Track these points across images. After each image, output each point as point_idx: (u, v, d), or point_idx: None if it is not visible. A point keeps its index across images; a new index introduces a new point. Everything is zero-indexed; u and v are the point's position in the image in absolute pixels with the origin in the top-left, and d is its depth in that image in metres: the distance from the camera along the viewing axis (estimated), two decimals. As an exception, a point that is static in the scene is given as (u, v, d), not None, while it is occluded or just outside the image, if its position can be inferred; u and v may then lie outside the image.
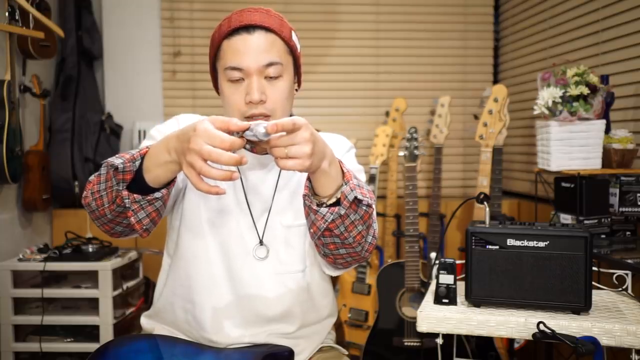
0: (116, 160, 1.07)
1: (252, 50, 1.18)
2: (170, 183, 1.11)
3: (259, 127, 0.97)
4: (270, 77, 1.20)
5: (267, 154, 1.29)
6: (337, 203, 1.08)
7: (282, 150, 0.99)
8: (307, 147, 0.98)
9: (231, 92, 1.21)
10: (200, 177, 0.98)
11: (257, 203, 1.29)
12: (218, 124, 0.97)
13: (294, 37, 1.26)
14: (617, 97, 2.14)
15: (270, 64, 1.19)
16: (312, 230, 1.13)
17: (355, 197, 1.06)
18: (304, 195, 1.10)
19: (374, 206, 1.12)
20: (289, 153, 0.99)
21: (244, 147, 1.00)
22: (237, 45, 1.19)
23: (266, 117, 1.20)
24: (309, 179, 1.09)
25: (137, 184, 1.08)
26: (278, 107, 1.21)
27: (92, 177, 1.13)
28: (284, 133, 0.98)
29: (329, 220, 1.08)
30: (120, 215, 1.11)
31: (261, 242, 1.28)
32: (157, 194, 1.09)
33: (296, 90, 1.32)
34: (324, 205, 1.08)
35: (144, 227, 1.12)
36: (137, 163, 1.07)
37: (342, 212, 1.07)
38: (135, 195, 1.08)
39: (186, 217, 1.29)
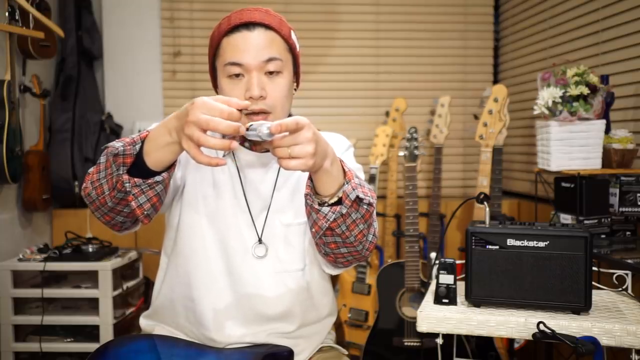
0: (116, 143, 1.07)
1: (252, 46, 1.19)
2: (171, 167, 1.11)
3: (263, 127, 0.98)
4: (270, 74, 1.20)
5: (266, 152, 1.29)
6: (339, 202, 1.09)
7: (285, 150, 0.99)
8: (310, 147, 0.99)
9: (231, 89, 1.21)
10: (199, 149, 0.98)
11: (256, 201, 1.29)
12: (219, 100, 0.99)
13: (293, 36, 1.27)
14: (617, 97, 2.14)
15: (270, 60, 1.20)
16: (313, 230, 1.13)
17: (357, 196, 1.07)
18: (306, 195, 1.10)
19: (375, 205, 1.13)
20: (292, 153, 0.99)
21: (243, 146, 1.01)
22: (237, 42, 1.19)
23: (266, 113, 1.20)
24: (310, 178, 1.09)
25: (138, 168, 1.08)
26: (278, 103, 1.21)
27: (91, 169, 1.13)
28: (287, 133, 0.98)
29: (330, 220, 1.08)
30: (121, 202, 1.11)
31: (260, 241, 1.28)
32: (158, 178, 1.09)
33: (295, 90, 1.32)
34: (326, 204, 1.09)
35: (145, 212, 1.12)
36: (138, 146, 1.07)
37: (344, 211, 1.08)
38: (135, 179, 1.07)
39: (184, 215, 1.29)
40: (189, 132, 0.97)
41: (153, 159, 1.07)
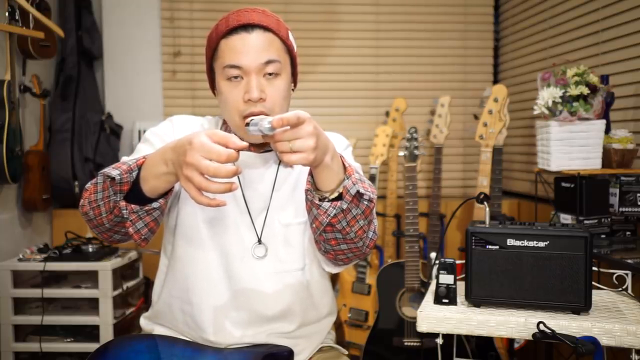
0: (113, 171, 1.06)
1: (251, 48, 1.18)
2: (167, 193, 1.11)
3: (264, 122, 0.98)
4: (269, 76, 1.20)
5: (264, 151, 1.29)
6: (339, 197, 1.09)
7: (286, 145, 0.99)
8: (311, 141, 0.99)
9: (229, 91, 1.21)
10: (199, 191, 0.98)
11: (255, 201, 1.29)
12: (216, 138, 0.97)
13: (291, 37, 1.27)
14: (617, 97, 2.13)
15: (269, 62, 1.19)
16: (314, 226, 1.14)
17: (357, 191, 1.07)
18: (306, 190, 1.10)
19: (375, 201, 1.13)
20: (293, 147, 0.99)
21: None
22: (235, 44, 1.19)
23: (265, 115, 1.20)
24: (311, 173, 1.09)
25: (135, 194, 1.08)
26: (276, 105, 1.21)
27: (88, 185, 1.13)
28: (288, 127, 0.98)
29: (331, 215, 1.08)
30: (118, 224, 1.12)
31: (260, 241, 1.28)
32: (155, 204, 1.09)
33: (292, 90, 1.32)
34: (326, 199, 1.09)
35: (143, 236, 1.12)
36: (134, 174, 1.07)
37: (344, 206, 1.08)
38: (133, 205, 1.07)
39: (183, 218, 1.29)
40: (188, 174, 0.96)
41: (149, 186, 1.07)
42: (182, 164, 0.97)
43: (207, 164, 0.95)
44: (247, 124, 1.03)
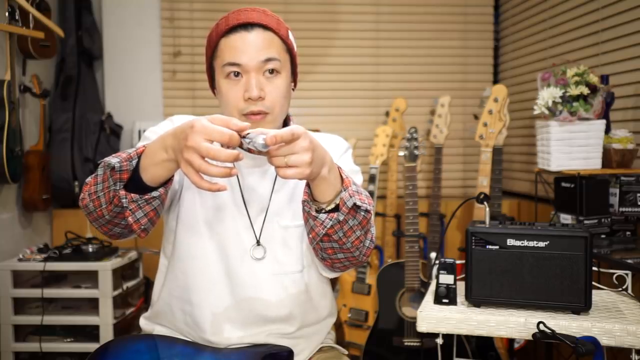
0: (112, 159, 1.06)
1: (250, 47, 1.19)
2: (167, 182, 1.11)
3: (258, 139, 0.97)
4: (269, 74, 1.20)
5: None
6: (336, 209, 1.09)
7: (281, 160, 0.98)
8: (306, 156, 0.98)
9: (229, 89, 1.21)
10: (199, 175, 0.97)
11: (254, 203, 1.29)
12: (217, 121, 0.97)
13: (291, 36, 1.27)
14: (617, 97, 2.14)
15: (268, 60, 1.20)
16: (310, 236, 1.13)
17: (354, 204, 1.07)
18: (303, 201, 1.10)
19: (372, 212, 1.12)
20: (288, 162, 0.98)
21: (241, 147, 1.00)
22: (235, 43, 1.19)
23: (264, 114, 1.20)
24: (308, 184, 1.09)
25: (135, 183, 1.07)
26: (276, 104, 1.21)
27: (88, 179, 1.12)
28: (283, 143, 0.98)
29: (327, 226, 1.08)
30: (118, 215, 1.11)
31: (258, 243, 1.28)
32: (155, 193, 1.08)
33: (293, 89, 1.32)
34: (323, 211, 1.09)
35: (142, 227, 1.12)
36: (134, 162, 1.06)
37: (341, 218, 1.08)
38: (132, 194, 1.07)
39: (183, 218, 1.29)
40: (188, 157, 0.96)
41: (149, 174, 1.06)
42: (183, 148, 0.97)
43: (207, 147, 0.94)
44: (243, 137, 1.02)
